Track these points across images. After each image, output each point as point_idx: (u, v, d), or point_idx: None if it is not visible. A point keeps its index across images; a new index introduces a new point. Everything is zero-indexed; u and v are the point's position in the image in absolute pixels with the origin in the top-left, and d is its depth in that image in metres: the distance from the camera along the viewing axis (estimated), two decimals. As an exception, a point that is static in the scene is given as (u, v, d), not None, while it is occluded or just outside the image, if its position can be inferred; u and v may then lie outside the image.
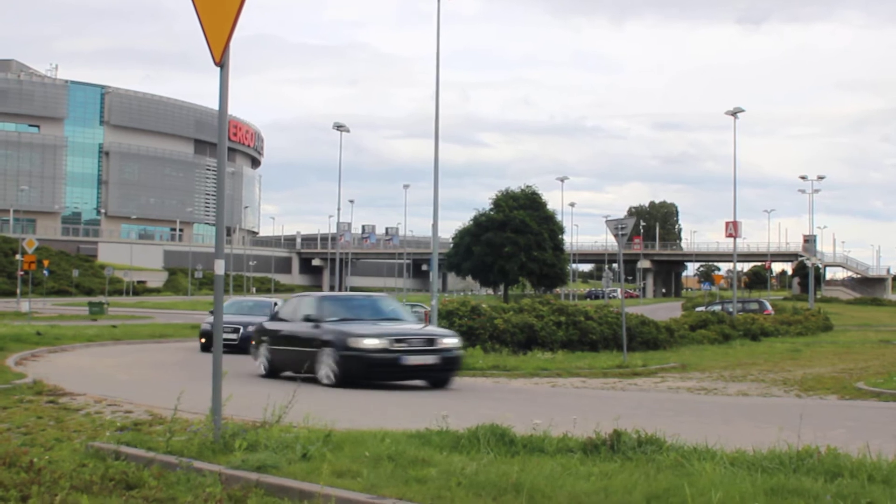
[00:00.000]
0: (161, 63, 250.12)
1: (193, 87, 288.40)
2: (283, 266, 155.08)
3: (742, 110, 50.53)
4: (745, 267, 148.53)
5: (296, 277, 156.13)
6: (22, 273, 58.26)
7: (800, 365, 26.39)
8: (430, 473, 7.34)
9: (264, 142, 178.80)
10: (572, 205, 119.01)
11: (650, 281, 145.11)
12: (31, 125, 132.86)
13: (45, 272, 79.50)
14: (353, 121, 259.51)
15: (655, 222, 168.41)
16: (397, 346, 17.79)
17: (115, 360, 24.63)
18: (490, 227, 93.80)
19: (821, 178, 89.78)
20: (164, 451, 8.47)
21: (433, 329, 20.06)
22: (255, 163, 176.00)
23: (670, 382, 21.31)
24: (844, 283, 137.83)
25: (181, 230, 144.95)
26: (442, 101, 36.36)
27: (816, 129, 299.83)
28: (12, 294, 73.67)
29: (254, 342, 21.30)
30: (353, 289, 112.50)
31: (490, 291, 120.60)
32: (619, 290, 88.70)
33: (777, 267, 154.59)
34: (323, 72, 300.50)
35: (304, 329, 19.24)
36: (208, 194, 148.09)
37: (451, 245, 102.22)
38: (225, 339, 18.43)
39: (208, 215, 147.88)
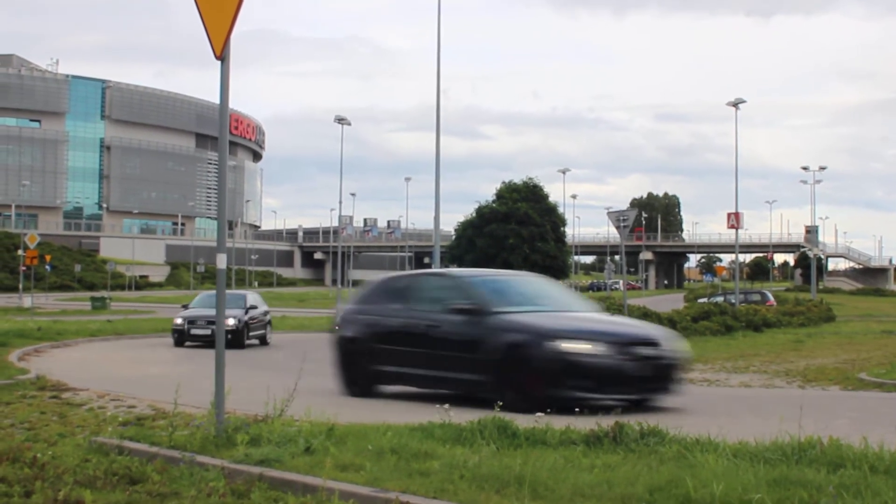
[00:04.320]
0: (164, 58, 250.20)
1: (197, 81, 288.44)
2: (286, 260, 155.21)
3: (743, 101, 50.48)
4: (748, 258, 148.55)
5: (298, 271, 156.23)
6: (24, 268, 58.34)
7: (802, 356, 26.38)
8: (433, 466, 7.34)
9: (266, 135, 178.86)
10: (574, 197, 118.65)
11: (652, 273, 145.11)
12: (32, 120, 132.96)
13: (47, 267, 79.59)
14: (355, 114, 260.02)
15: (657, 214, 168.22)
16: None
17: (118, 355, 24.68)
18: (493, 219, 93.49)
19: (822, 168, 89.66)
20: (168, 446, 8.48)
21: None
22: (257, 156, 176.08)
23: (673, 374, 21.28)
24: (846, 273, 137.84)
25: (183, 224, 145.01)
26: (444, 94, 36.39)
27: (818, 119, 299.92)
28: (14, 289, 73.69)
29: None
30: (355, 282, 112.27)
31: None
32: (621, 281, 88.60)
33: (779, 258, 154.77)
34: (325, 65, 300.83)
35: None
36: (210, 188, 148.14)
37: (454, 237, 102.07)
38: None
39: (210, 209, 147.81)
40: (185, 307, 31.23)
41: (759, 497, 6.15)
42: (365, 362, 15.07)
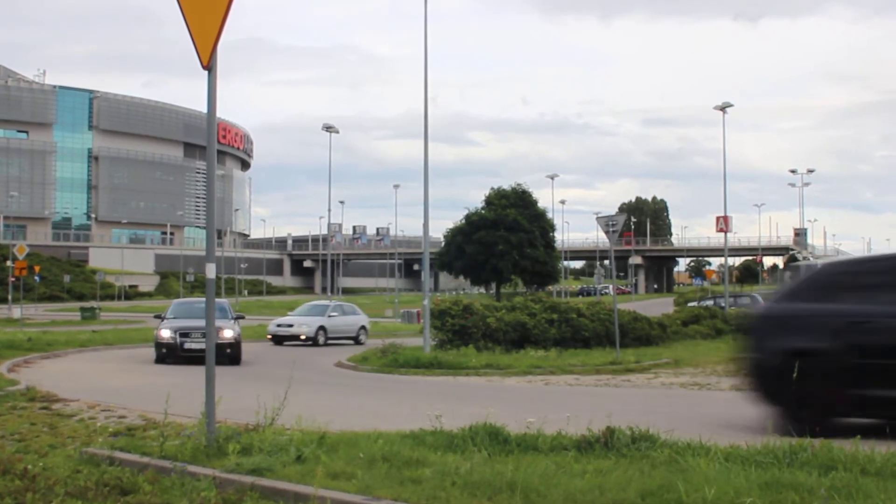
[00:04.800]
0: (153, 68, 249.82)
1: (188, 90, 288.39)
2: (275, 268, 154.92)
3: (730, 105, 50.58)
4: (737, 261, 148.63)
5: (287, 279, 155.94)
6: (13, 279, 58.04)
7: (792, 358, 26.34)
8: (425, 474, 7.34)
9: (254, 144, 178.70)
10: (563, 202, 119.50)
11: (642, 277, 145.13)
12: (19, 131, 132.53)
13: (36, 278, 79.31)
14: (343, 122, 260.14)
15: (646, 218, 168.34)
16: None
17: (108, 366, 24.59)
18: (482, 225, 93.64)
19: (810, 171, 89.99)
20: (159, 456, 8.46)
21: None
22: (245, 165, 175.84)
23: (663, 378, 21.34)
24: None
25: (172, 234, 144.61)
26: (432, 101, 36.40)
27: (805, 122, 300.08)
28: (4, 300, 73.32)
29: None
30: (345, 290, 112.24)
31: (482, 290, 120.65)
32: (610, 286, 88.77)
33: (768, 261, 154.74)
34: (313, 74, 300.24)
35: None
36: (198, 197, 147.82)
37: (443, 244, 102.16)
38: None
39: (199, 218, 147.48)
40: (161, 318, 27.46)
41: (751, 501, 6.17)
42: (835, 385, 10.60)
